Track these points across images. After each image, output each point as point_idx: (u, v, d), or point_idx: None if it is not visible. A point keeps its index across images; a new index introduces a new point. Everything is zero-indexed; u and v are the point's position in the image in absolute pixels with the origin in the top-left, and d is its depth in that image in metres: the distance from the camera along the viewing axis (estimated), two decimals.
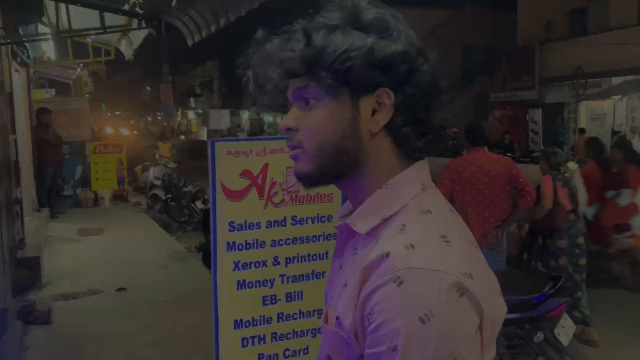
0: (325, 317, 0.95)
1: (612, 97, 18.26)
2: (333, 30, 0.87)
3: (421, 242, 0.81)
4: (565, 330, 3.27)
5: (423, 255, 0.79)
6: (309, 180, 0.94)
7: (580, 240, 4.63)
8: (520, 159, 15.10)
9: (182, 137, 35.89)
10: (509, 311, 3.00)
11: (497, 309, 0.86)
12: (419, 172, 0.91)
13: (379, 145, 0.90)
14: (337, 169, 0.91)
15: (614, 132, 20.03)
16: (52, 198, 9.99)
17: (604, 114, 19.74)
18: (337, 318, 0.89)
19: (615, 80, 17.79)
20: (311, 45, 0.86)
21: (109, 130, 23.73)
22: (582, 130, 15.94)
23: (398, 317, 0.76)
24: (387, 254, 0.81)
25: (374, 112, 0.89)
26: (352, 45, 0.85)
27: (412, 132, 0.90)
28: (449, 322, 0.76)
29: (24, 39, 7.75)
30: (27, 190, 8.09)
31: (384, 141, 0.90)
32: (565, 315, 3.30)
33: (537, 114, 20.20)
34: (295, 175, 0.95)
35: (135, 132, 29.51)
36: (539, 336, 3.24)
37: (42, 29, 7.91)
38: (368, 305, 0.81)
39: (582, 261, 4.62)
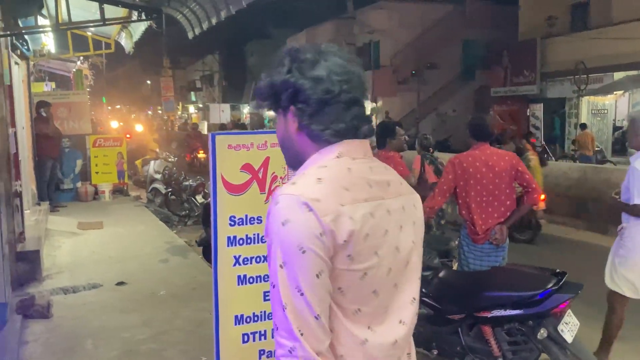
0: None
1: (614, 92, 18.17)
2: (270, 75, 1.35)
3: (300, 180, 1.27)
4: (569, 327, 3.24)
5: (296, 187, 1.25)
6: (289, 167, 1.45)
7: (449, 208, 5.44)
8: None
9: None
10: (512, 307, 2.93)
11: (340, 226, 1.22)
12: (339, 147, 1.32)
13: (301, 140, 1.36)
14: (290, 158, 1.41)
15: (615, 128, 20.03)
16: (51, 191, 9.97)
17: (605, 109, 19.66)
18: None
19: (617, 75, 17.69)
20: (266, 83, 1.36)
21: (113, 125, 23.64)
22: (583, 126, 15.87)
23: (272, 223, 1.23)
24: (281, 190, 1.28)
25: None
26: (275, 81, 1.33)
27: (315, 129, 1.32)
28: (297, 225, 1.20)
29: (23, 32, 7.69)
30: (27, 183, 8.05)
31: (303, 136, 1.35)
32: (569, 312, 3.26)
33: (538, 109, 20.10)
34: None
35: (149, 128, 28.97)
36: (543, 333, 3.21)
37: (41, 21, 7.83)
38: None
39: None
